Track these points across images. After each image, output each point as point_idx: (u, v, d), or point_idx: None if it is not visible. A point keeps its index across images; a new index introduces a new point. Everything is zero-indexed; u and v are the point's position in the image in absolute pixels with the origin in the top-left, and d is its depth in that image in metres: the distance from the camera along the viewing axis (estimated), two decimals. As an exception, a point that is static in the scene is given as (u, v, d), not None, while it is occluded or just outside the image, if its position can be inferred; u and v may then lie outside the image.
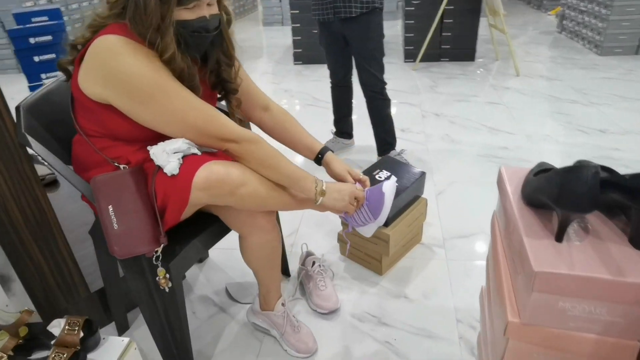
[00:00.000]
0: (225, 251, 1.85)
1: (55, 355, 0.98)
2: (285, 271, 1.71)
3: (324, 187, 1.16)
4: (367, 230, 1.31)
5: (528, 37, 5.16)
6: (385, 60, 2.25)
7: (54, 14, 3.88)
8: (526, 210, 0.86)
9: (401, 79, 3.97)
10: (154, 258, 1.06)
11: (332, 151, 1.37)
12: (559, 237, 0.76)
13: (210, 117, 1.04)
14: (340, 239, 1.77)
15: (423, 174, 1.72)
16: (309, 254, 1.66)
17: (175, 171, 1.00)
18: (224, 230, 1.25)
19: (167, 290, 1.09)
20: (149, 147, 1.04)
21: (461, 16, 4.10)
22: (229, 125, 1.06)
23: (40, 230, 1.35)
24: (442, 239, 1.88)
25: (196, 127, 1.03)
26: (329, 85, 2.51)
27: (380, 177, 1.68)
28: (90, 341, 1.06)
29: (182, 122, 1.02)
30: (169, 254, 1.12)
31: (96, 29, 1.02)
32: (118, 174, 1.02)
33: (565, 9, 5.04)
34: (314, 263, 1.60)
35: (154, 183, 1.03)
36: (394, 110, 2.33)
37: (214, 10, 1.06)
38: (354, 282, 1.67)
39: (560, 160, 2.42)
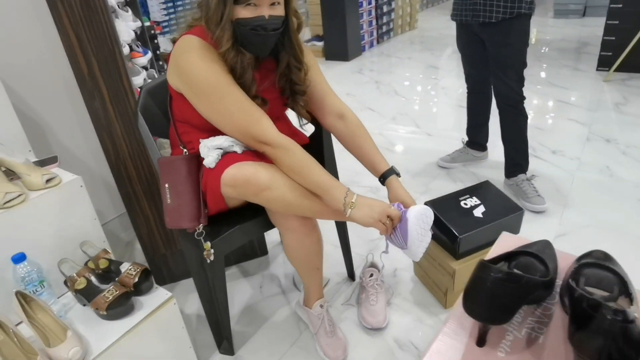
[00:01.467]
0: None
1: (110, 290, 1.22)
2: (352, 275, 1.71)
3: (354, 200, 1.12)
4: (410, 254, 1.22)
5: None
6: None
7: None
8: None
9: (584, 90, 3.36)
10: (195, 234, 1.20)
11: (399, 175, 1.30)
12: (479, 342, 0.64)
13: (253, 120, 1.10)
14: (416, 266, 1.67)
15: (521, 211, 1.49)
16: (372, 264, 1.63)
17: (212, 165, 1.10)
18: (271, 224, 1.32)
19: (208, 261, 1.22)
20: (201, 140, 1.17)
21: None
22: (268, 130, 1.11)
23: (149, 187, 1.64)
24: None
25: (240, 126, 1.11)
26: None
27: (466, 204, 1.52)
28: (142, 286, 1.28)
29: (229, 120, 1.11)
30: (215, 233, 1.25)
31: (190, 29, 1.18)
32: (175, 158, 1.18)
33: None
34: (372, 275, 1.57)
35: (202, 171, 1.16)
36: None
37: (278, 12, 1.10)
38: (414, 307, 1.58)
39: None
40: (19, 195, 1.22)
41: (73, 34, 1.36)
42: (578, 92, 3.33)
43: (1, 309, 1.14)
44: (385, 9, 5.47)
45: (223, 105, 1.09)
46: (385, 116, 3.29)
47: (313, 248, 1.31)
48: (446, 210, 1.49)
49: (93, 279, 1.24)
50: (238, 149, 1.13)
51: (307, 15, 5.30)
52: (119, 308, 1.20)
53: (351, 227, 1.57)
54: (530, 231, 1.52)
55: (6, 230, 1.20)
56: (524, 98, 1.99)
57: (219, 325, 1.44)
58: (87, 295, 1.21)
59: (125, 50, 1.57)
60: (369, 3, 5.13)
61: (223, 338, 1.44)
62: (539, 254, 0.77)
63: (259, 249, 1.90)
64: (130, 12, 1.82)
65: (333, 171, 1.50)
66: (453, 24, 2.12)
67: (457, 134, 2.74)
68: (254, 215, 1.30)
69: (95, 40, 1.39)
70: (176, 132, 1.25)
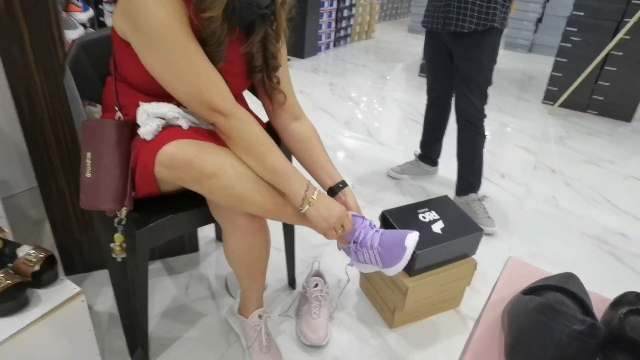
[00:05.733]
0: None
1: (-1, 278, 0.97)
2: (292, 283, 1.55)
3: (314, 196, 0.98)
4: (365, 268, 1.10)
5: None
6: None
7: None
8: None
9: (530, 120, 3.47)
10: (116, 220, 0.99)
11: (349, 187, 1.17)
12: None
13: (209, 82, 0.92)
14: (363, 278, 1.55)
15: (480, 231, 1.41)
16: (317, 273, 1.48)
17: (148, 136, 0.90)
18: (211, 217, 1.14)
19: (119, 260, 1.01)
20: (141, 103, 0.96)
21: (629, 66, 3.42)
22: (224, 96, 0.93)
23: (70, 159, 1.38)
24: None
25: (191, 87, 0.91)
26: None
27: (424, 217, 1.42)
28: (44, 277, 1.04)
29: (179, 78, 0.91)
30: (140, 222, 1.04)
31: None
32: (105, 122, 0.97)
33: None
34: (316, 285, 1.42)
35: (135, 143, 0.96)
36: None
37: None
38: (357, 324, 1.45)
39: (691, 274, 1.85)
40: None
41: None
42: (525, 122, 3.43)
43: None
44: (345, 13, 5.43)
45: (175, 59, 0.90)
46: (338, 119, 3.18)
47: (259, 251, 1.14)
48: (404, 222, 1.38)
49: (-24, 263, 0.99)
50: (184, 124, 0.94)
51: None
52: (8, 303, 0.96)
53: (296, 230, 1.42)
54: (479, 254, 1.45)
55: None
56: (484, 116, 1.96)
57: (134, 329, 1.22)
58: (-35, 283, 0.96)
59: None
60: (331, 4, 5.06)
61: (137, 345, 1.22)
62: (574, 291, 0.64)
63: (189, 244, 1.69)
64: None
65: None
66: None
67: (409, 146, 2.70)
68: (191, 205, 1.11)
69: (17, -33, 1.13)
70: (115, 90, 1.03)
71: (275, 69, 1.10)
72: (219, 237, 1.77)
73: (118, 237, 0.99)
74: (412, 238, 1.00)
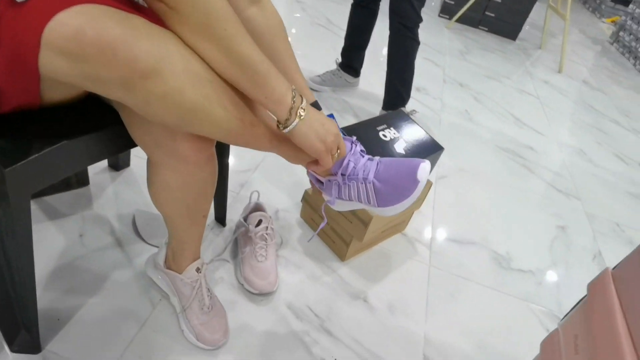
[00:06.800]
0: (154, 166, 1.38)
1: None
2: (221, 219, 1.26)
3: (303, 105, 0.68)
4: (347, 207, 0.86)
5: (576, 37, 4.61)
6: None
7: None
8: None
9: (431, 33, 3.39)
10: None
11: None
12: None
13: None
14: (306, 207, 1.32)
15: (441, 149, 1.26)
16: (258, 207, 1.21)
17: (23, -5, 0.49)
18: (129, 141, 0.77)
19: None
20: None
21: (521, -15, 3.49)
22: None
23: None
24: (429, 236, 1.46)
25: None
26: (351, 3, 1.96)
27: (385, 136, 1.21)
28: None
29: None
30: (13, 154, 0.64)
31: None
32: None
33: (626, 20, 4.48)
34: (260, 222, 1.15)
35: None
36: (415, 64, 1.83)
37: None
38: (306, 261, 1.24)
39: (590, 184, 2.01)
40: None
41: None
42: (426, 35, 3.34)
43: None
44: None
45: None
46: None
47: (205, 187, 0.82)
48: (367, 143, 1.15)
49: None
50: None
51: None
52: None
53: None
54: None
55: None
56: (421, 19, 1.75)
57: (12, 307, 0.84)
58: None
59: None
60: None
61: (19, 327, 0.85)
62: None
63: (75, 177, 1.26)
64: None
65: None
66: None
67: (329, 56, 2.42)
68: (94, 124, 0.73)
69: None
70: None
71: None
72: (113, 164, 1.35)
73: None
74: (425, 169, 0.77)
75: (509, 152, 2.07)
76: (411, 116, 1.91)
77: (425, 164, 0.77)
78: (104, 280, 1.04)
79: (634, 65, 4.11)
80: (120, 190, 1.28)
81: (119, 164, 1.34)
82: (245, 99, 0.67)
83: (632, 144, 2.57)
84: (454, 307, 1.23)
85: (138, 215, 1.20)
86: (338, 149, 0.75)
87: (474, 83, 2.71)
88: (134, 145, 0.77)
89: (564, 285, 1.41)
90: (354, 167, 0.78)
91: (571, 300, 1.37)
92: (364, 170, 0.78)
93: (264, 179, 1.48)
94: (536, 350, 1.17)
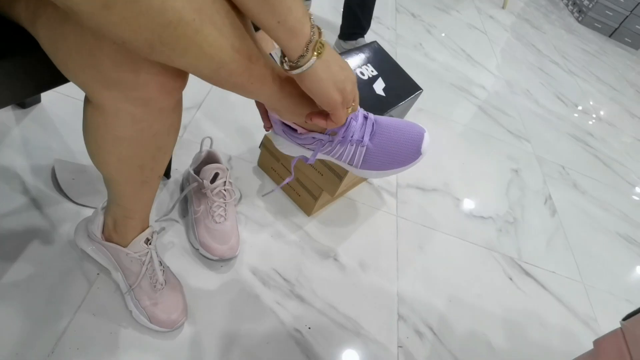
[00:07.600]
0: (72, 100, 1.11)
1: None
2: (167, 170, 1.05)
3: (322, 41, 0.50)
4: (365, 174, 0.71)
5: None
6: None
7: None
8: None
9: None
10: None
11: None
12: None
13: None
14: (265, 154, 1.14)
15: (420, 89, 1.13)
16: (211, 157, 1.01)
17: None
18: (56, 75, 0.54)
19: None
20: None
21: None
22: None
23: None
24: (395, 183, 1.37)
25: None
26: None
27: (363, 74, 1.05)
28: None
29: None
30: None
31: None
32: None
33: (562, -45, 4.48)
34: (216, 176, 0.97)
35: None
36: None
37: None
38: (268, 218, 1.10)
39: (538, 126, 2.02)
40: None
41: None
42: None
43: None
44: None
45: None
46: None
47: (166, 141, 0.61)
48: (344, 83, 0.98)
49: None
50: None
51: None
52: None
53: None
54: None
55: None
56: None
57: None
58: None
59: None
60: None
61: None
62: None
63: (-37, 116, 0.96)
64: None
65: None
66: None
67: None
68: (11, 48, 0.49)
69: None
70: None
71: None
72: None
73: None
74: (427, 140, 0.63)
75: (463, 91, 2.00)
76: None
77: (427, 134, 0.64)
78: (18, 255, 0.82)
79: (566, 5, 4.19)
80: (31, 135, 1.01)
81: (25, 100, 1.05)
82: (244, 22, 0.47)
83: (570, 85, 2.63)
84: (423, 260, 1.18)
85: (59, 166, 0.96)
86: (353, 101, 0.58)
87: (424, 14, 2.56)
88: (60, 82, 0.54)
89: (521, 231, 1.42)
90: (347, 128, 0.63)
91: (528, 247, 1.38)
92: (361, 132, 0.63)
93: (210, 119, 1.27)
94: (502, 302, 1.17)
